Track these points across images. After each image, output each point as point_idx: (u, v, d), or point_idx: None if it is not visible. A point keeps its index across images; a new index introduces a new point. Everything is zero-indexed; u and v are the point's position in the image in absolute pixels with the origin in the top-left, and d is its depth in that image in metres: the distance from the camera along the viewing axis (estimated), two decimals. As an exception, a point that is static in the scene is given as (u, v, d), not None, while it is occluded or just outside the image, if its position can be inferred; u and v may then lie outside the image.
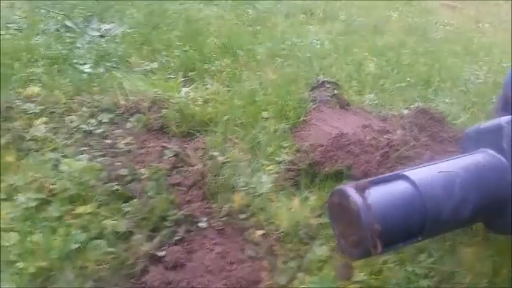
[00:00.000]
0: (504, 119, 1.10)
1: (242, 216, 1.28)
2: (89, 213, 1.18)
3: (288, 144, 1.67)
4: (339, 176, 1.40)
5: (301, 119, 1.84)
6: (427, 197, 0.95)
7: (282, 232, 1.22)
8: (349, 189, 0.90)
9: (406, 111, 2.10)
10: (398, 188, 0.97)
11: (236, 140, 1.64)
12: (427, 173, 1.01)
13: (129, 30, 2.52)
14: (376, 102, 2.14)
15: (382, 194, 0.93)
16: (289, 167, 1.50)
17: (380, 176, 1.01)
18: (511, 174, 1.03)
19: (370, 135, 1.69)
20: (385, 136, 1.67)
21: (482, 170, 1.04)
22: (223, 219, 1.26)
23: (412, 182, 0.97)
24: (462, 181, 1.00)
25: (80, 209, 1.19)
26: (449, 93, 2.44)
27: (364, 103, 2.12)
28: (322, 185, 1.40)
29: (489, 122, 1.16)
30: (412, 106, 2.20)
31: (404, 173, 1.00)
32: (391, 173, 1.04)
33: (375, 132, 1.74)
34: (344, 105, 2.03)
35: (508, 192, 1.02)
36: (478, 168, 1.04)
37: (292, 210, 1.30)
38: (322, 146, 1.55)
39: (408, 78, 2.53)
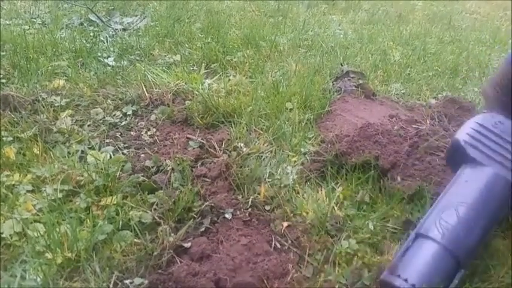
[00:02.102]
0: None
1: (268, 207, 1.26)
2: (115, 204, 1.18)
3: (312, 135, 1.64)
4: (366, 167, 1.37)
5: (326, 109, 1.80)
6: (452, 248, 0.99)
7: (309, 224, 1.20)
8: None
9: (434, 101, 2.05)
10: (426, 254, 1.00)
11: (260, 131, 1.62)
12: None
13: (151, 23, 2.52)
14: (403, 91, 2.09)
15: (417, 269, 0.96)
16: (314, 158, 1.47)
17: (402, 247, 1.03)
18: None
19: (397, 125, 1.65)
20: (413, 126, 1.63)
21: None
22: (248, 210, 1.24)
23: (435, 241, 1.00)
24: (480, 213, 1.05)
25: (106, 200, 1.19)
26: (478, 82, 2.37)
27: (391, 93, 2.07)
28: (349, 176, 1.37)
29: None
30: (440, 95, 2.14)
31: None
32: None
33: (403, 122, 1.70)
34: (370, 95, 1.98)
35: None
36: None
37: (318, 201, 1.28)
38: (349, 136, 1.52)
39: (435, 67, 2.46)
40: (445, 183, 1.39)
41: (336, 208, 1.27)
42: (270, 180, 1.37)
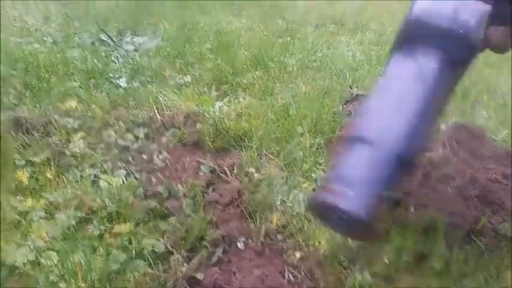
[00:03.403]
0: None
1: (280, 236, 1.26)
2: (128, 232, 1.18)
3: (323, 160, 1.64)
4: (378, 196, 1.36)
5: (336, 133, 1.81)
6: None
7: (322, 254, 1.19)
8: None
9: (443, 126, 2.04)
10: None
11: (271, 156, 1.62)
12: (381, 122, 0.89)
13: (162, 44, 2.54)
14: (413, 116, 2.09)
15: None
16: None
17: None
18: None
19: (408, 152, 1.64)
20: (425, 154, 1.63)
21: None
22: (261, 239, 1.24)
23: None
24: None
25: (119, 228, 1.19)
26: (487, 107, 2.37)
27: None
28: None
29: None
30: (449, 120, 2.14)
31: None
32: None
33: (414, 149, 1.70)
34: (379, 120, 1.98)
35: None
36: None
37: (330, 231, 1.27)
38: (360, 163, 1.51)
39: (444, 91, 2.46)
40: (457, 213, 1.40)
41: (348, 238, 1.26)
42: (281, 207, 1.36)
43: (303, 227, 1.30)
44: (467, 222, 1.34)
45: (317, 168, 1.58)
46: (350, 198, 0.83)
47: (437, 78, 0.87)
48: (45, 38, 2.53)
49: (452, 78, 0.92)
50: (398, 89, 0.90)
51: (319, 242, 1.24)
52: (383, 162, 0.86)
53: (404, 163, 0.86)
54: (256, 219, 1.30)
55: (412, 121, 0.87)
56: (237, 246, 1.21)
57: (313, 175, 1.54)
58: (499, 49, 1.00)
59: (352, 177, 0.86)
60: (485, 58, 3.27)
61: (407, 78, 0.90)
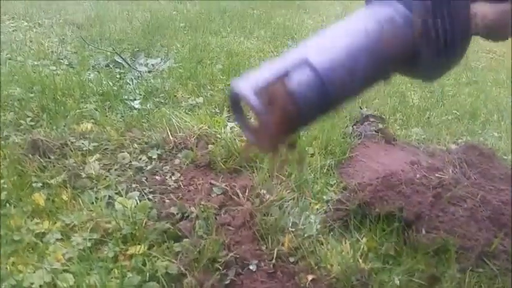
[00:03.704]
0: None
1: (292, 259, 1.27)
2: (142, 253, 1.20)
3: (334, 182, 1.65)
4: (390, 218, 1.37)
5: (347, 155, 1.82)
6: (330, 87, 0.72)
7: (333, 277, 1.20)
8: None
9: (454, 146, 2.05)
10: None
11: (282, 178, 1.64)
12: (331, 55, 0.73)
13: (174, 65, 2.59)
14: (423, 136, 2.10)
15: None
16: (337, 207, 1.48)
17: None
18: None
19: (419, 173, 1.65)
20: (436, 174, 1.63)
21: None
22: (273, 261, 1.25)
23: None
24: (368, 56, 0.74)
25: (134, 249, 1.21)
26: (497, 126, 2.37)
27: (411, 137, 2.08)
28: (373, 227, 1.37)
29: None
30: (460, 140, 2.15)
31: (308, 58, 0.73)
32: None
33: (425, 170, 1.70)
34: (390, 140, 2.00)
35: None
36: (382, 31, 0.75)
37: (342, 253, 1.28)
38: (371, 185, 1.52)
39: (454, 111, 2.47)
40: (469, 236, 1.40)
41: (360, 261, 1.26)
42: (293, 229, 1.37)
43: (315, 249, 1.31)
44: (480, 244, 1.34)
45: (328, 189, 1.60)
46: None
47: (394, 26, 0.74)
48: (61, 60, 2.60)
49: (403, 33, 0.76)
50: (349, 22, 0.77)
51: (331, 265, 1.25)
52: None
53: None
54: (268, 242, 1.31)
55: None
56: (249, 268, 1.22)
57: (324, 197, 1.55)
58: (494, 35, 0.77)
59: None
60: (494, 77, 3.29)
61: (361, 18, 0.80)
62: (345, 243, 1.33)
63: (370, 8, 0.78)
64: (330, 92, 0.70)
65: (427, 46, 0.72)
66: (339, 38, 0.73)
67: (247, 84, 0.67)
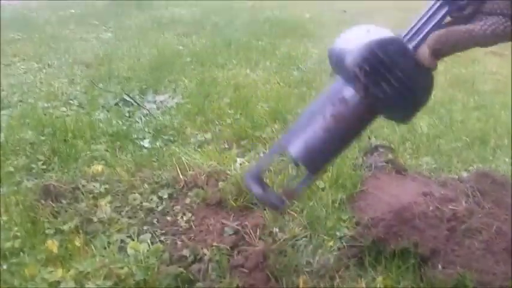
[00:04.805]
0: None
1: (308, 301, 1.25)
2: (156, 300, 1.19)
3: (347, 217, 1.64)
4: (406, 254, 1.35)
5: (358, 188, 1.81)
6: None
7: (351, 319, 1.18)
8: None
9: (465, 174, 2.03)
10: None
11: (294, 214, 1.63)
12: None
13: (182, 101, 2.62)
14: (434, 166, 2.09)
15: None
16: (351, 243, 1.46)
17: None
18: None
19: (432, 205, 1.63)
20: (449, 206, 1.61)
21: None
22: (288, 304, 1.23)
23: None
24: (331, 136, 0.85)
25: (147, 297, 1.20)
26: (508, 152, 2.35)
27: (422, 167, 2.07)
28: (389, 264, 1.35)
29: None
30: (471, 168, 2.13)
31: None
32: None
33: (437, 201, 1.68)
34: (401, 171, 1.98)
35: None
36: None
37: None
38: (384, 220, 1.51)
39: (464, 137, 2.46)
40: (486, 270, 1.37)
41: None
42: (307, 269, 1.36)
43: (330, 289, 1.29)
44: (498, 278, 1.32)
45: (341, 225, 1.58)
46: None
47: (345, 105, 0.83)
48: (71, 101, 2.64)
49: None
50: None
51: (348, 306, 1.22)
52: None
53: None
54: (282, 283, 1.29)
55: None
56: (264, 312, 1.21)
57: (337, 233, 1.54)
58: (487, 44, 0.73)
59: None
60: (502, 100, 3.28)
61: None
62: (361, 282, 1.30)
63: (327, 91, 0.87)
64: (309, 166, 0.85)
65: (381, 105, 0.78)
66: (307, 127, 0.85)
67: (249, 175, 0.89)
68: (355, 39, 0.83)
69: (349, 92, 0.80)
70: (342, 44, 0.88)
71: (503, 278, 1.32)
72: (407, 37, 0.77)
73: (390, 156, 2.08)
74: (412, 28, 0.77)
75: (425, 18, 0.77)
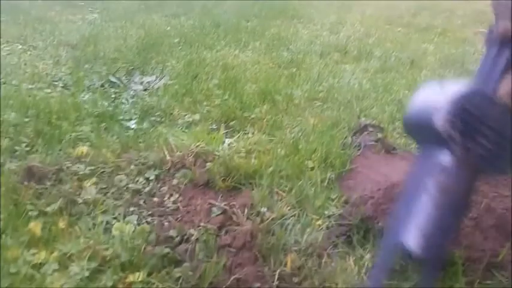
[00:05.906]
0: None
1: (295, 279, 1.24)
2: (141, 281, 1.17)
3: (336, 196, 1.62)
4: (393, 232, 1.34)
5: (347, 167, 1.80)
6: None
7: (339, 296, 1.17)
8: None
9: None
10: None
11: (283, 194, 1.62)
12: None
13: (170, 82, 2.58)
14: (423, 144, 2.07)
15: None
16: (339, 222, 1.45)
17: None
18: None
19: (421, 183, 1.63)
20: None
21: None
22: (276, 283, 1.22)
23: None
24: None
25: (133, 277, 1.18)
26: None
27: (411, 146, 2.06)
28: (377, 242, 1.34)
29: None
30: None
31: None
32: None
33: (426, 179, 1.68)
34: (390, 150, 1.98)
35: None
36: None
37: (347, 271, 1.25)
38: (373, 198, 1.50)
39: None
40: (475, 246, 1.37)
41: (365, 278, 1.23)
42: (296, 248, 1.34)
43: (319, 268, 1.28)
44: (486, 255, 1.32)
45: (329, 204, 1.57)
46: None
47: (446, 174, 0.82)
48: (55, 83, 2.59)
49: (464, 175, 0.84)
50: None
51: (336, 284, 1.22)
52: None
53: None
54: (270, 262, 1.28)
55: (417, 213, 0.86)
56: (252, 291, 1.19)
57: (325, 212, 1.52)
58: None
59: None
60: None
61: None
62: (349, 259, 1.30)
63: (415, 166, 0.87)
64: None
65: (483, 161, 0.77)
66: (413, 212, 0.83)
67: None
68: (434, 100, 0.78)
69: (445, 158, 0.77)
70: (418, 108, 0.82)
71: (491, 254, 1.32)
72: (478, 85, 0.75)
73: (379, 135, 2.06)
74: (478, 75, 0.75)
75: (488, 64, 0.74)
